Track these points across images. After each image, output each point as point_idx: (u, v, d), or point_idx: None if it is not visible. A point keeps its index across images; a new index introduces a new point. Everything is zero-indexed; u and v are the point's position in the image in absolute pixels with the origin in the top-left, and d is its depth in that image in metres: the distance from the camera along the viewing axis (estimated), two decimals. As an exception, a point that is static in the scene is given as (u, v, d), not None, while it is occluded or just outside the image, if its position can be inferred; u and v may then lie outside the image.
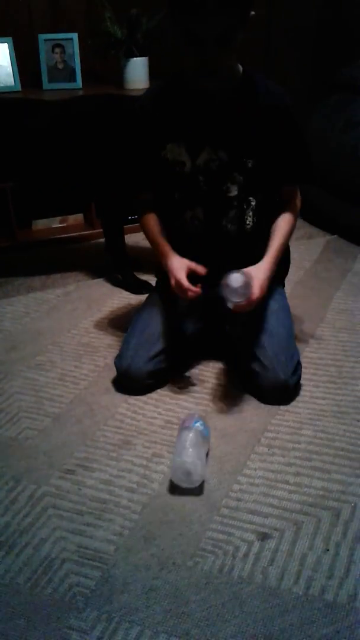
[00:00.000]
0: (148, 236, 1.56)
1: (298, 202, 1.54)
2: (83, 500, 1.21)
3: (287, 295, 1.64)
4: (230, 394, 1.52)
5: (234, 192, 1.45)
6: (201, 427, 1.31)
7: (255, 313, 1.50)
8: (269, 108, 1.39)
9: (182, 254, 1.49)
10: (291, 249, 1.62)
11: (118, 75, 2.56)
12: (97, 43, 2.52)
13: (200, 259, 1.49)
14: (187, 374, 1.59)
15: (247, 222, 1.50)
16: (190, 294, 1.40)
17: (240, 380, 1.55)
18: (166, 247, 1.49)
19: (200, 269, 1.42)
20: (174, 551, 1.10)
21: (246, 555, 1.08)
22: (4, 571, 1.08)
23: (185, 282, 1.40)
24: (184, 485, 1.22)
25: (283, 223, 1.50)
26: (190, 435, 1.27)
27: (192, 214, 1.50)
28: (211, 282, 1.54)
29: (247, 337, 1.50)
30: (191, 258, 1.49)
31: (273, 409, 1.45)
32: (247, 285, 1.33)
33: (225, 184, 1.44)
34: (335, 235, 2.47)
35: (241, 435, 1.37)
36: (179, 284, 1.41)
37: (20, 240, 2.44)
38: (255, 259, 1.48)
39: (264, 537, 1.12)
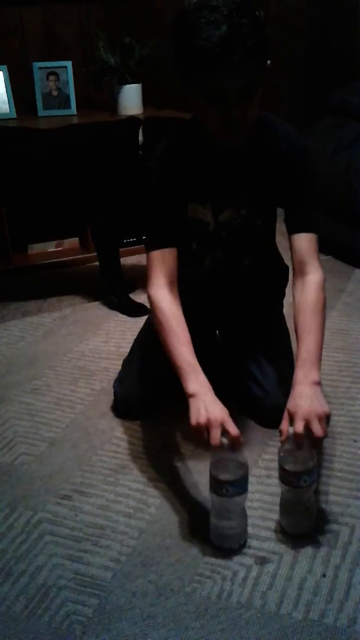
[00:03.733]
0: (168, 335, 1.23)
1: (319, 271, 1.29)
2: (80, 526, 1.21)
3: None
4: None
5: (250, 237, 1.42)
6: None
7: (255, 336, 1.51)
8: (283, 153, 1.30)
9: (196, 291, 1.43)
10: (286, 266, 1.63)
11: (112, 102, 2.60)
12: (91, 70, 2.56)
13: (214, 293, 1.51)
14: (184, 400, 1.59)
15: (259, 255, 1.48)
16: (215, 445, 1.10)
17: (238, 402, 1.55)
18: (200, 372, 1.20)
19: (235, 432, 1.10)
20: (171, 577, 1.09)
21: (244, 580, 1.08)
22: (0, 599, 1.06)
23: (218, 435, 1.09)
24: (229, 547, 1.13)
25: (305, 315, 1.24)
26: (235, 504, 1.10)
27: (211, 257, 1.45)
28: (220, 317, 1.57)
29: (247, 360, 1.50)
30: (205, 294, 1.50)
31: (270, 431, 1.45)
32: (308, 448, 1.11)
33: (245, 234, 1.40)
34: (330, 256, 2.49)
35: (238, 458, 1.37)
36: (213, 433, 1.09)
37: (16, 265, 2.45)
38: (266, 287, 1.52)
39: (262, 561, 1.11)
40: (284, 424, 1.12)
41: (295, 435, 1.09)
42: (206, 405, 1.12)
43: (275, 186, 1.33)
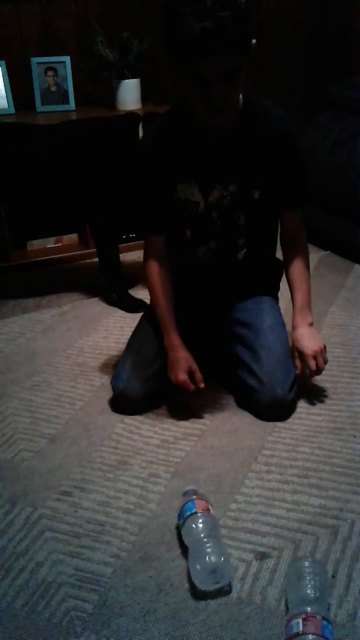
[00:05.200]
0: (154, 298, 1.51)
1: (304, 238, 1.55)
2: (80, 522, 1.21)
3: (281, 311, 1.65)
4: (226, 412, 1.51)
5: (242, 221, 1.46)
6: (202, 504, 1.14)
7: (252, 328, 1.51)
8: (272, 134, 1.37)
9: (191, 282, 1.54)
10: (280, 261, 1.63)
11: (110, 97, 2.59)
12: (89, 66, 2.56)
13: (207, 283, 1.56)
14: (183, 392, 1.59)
15: (251, 247, 1.51)
16: (191, 388, 1.46)
17: (236, 397, 1.55)
18: (172, 330, 1.48)
19: (199, 377, 1.46)
20: (172, 573, 1.09)
21: (244, 575, 1.08)
22: (0, 595, 1.06)
23: (189, 384, 1.46)
24: (216, 586, 1.04)
25: (300, 272, 1.52)
26: (200, 524, 1.10)
27: (205, 248, 1.50)
28: (217, 306, 1.58)
29: (243, 353, 1.50)
30: (200, 285, 1.56)
31: (269, 426, 1.45)
32: None
33: (236, 213, 1.45)
34: (329, 251, 2.48)
35: (238, 454, 1.37)
36: (184, 383, 1.45)
37: (15, 261, 2.45)
38: (257, 280, 1.56)
39: (262, 556, 1.11)
40: (297, 362, 1.49)
41: (312, 372, 1.49)
42: (175, 364, 1.46)
43: (264, 165, 1.40)
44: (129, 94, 2.56)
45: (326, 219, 2.48)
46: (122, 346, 1.63)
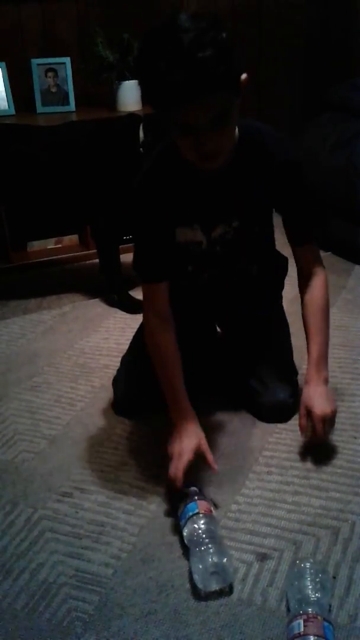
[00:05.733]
0: (161, 366, 1.30)
1: (322, 275, 1.36)
2: (80, 524, 1.21)
3: (286, 304, 1.62)
4: (227, 413, 1.51)
5: (245, 249, 1.39)
6: (204, 505, 1.14)
7: (255, 331, 1.50)
8: (274, 166, 1.24)
9: (192, 303, 1.47)
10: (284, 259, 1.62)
11: (111, 98, 2.59)
12: (89, 67, 2.56)
13: (210, 304, 1.52)
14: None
15: (256, 268, 1.46)
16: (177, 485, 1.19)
17: (238, 398, 1.55)
18: (185, 402, 1.28)
19: (210, 459, 1.22)
20: (172, 573, 1.09)
21: (245, 576, 1.08)
22: (1, 597, 1.06)
23: (180, 476, 1.18)
24: (218, 587, 1.04)
25: (315, 317, 1.34)
26: (202, 525, 1.10)
27: (208, 274, 1.43)
28: (219, 313, 1.58)
29: (247, 355, 1.50)
30: (202, 304, 1.50)
31: (270, 427, 1.45)
32: None
33: (239, 244, 1.37)
34: (329, 252, 2.48)
35: (239, 455, 1.37)
36: (176, 473, 1.19)
37: (15, 262, 2.45)
38: (264, 288, 1.50)
39: (263, 557, 1.11)
40: (303, 421, 1.30)
41: (319, 438, 1.32)
42: (181, 438, 1.23)
43: (268, 199, 1.30)
44: (130, 95, 2.56)
45: (326, 220, 2.47)
46: (123, 347, 1.63)
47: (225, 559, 1.05)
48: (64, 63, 2.60)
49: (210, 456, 1.22)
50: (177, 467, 1.18)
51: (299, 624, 0.93)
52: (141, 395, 1.49)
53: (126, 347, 1.61)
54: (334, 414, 1.30)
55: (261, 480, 1.29)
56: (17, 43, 2.55)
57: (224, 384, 1.61)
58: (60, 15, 2.59)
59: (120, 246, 2.16)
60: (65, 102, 2.64)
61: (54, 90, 2.62)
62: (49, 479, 1.33)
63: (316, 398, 1.29)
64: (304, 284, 1.37)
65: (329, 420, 1.29)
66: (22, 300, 2.19)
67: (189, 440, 1.21)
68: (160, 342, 1.31)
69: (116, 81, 2.54)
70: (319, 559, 1.10)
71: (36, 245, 2.56)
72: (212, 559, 1.04)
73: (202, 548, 1.06)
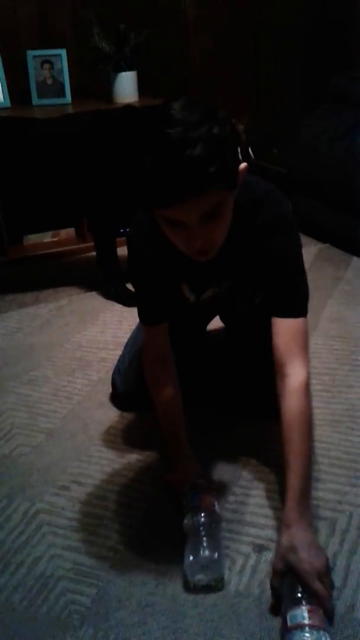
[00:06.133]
0: (164, 414, 1.28)
1: (302, 368, 1.13)
2: (78, 517, 1.21)
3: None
4: (225, 406, 1.51)
5: (238, 301, 1.35)
6: (207, 500, 1.13)
7: (256, 326, 1.49)
8: (259, 225, 1.13)
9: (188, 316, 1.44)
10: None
11: (107, 90, 2.57)
12: (85, 58, 2.54)
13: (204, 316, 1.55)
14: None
15: (253, 303, 1.36)
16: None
17: (236, 392, 1.55)
18: (184, 446, 1.25)
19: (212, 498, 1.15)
20: (170, 566, 1.09)
21: (243, 568, 1.08)
22: (-2, 590, 1.07)
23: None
24: (205, 582, 1.03)
25: (295, 433, 1.09)
26: (202, 518, 1.09)
27: (206, 317, 1.53)
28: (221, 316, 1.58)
29: (247, 349, 1.49)
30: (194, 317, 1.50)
31: (268, 419, 1.44)
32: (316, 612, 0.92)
33: (231, 299, 1.33)
34: (327, 244, 2.48)
35: (236, 448, 1.37)
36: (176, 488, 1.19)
37: (12, 256, 2.44)
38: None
39: (260, 548, 1.11)
40: (276, 580, 1.00)
41: (324, 599, 0.94)
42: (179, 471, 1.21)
43: (256, 263, 1.18)
44: (126, 87, 2.54)
45: (324, 212, 2.47)
46: (120, 340, 1.63)
47: (217, 554, 1.04)
48: (59, 55, 2.58)
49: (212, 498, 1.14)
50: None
51: (302, 614, 0.90)
52: (140, 390, 1.49)
53: (123, 339, 1.60)
54: (325, 568, 0.98)
55: (258, 472, 1.29)
56: (12, 35, 2.53)
57: (217, 381, 1.61)
58: (56, 7, 2.56)
59: (117, 239, 2.15)
60: (61, 94, 2.62)
61: (49, 82, 2.60)
62: (46, 472, 1.33)
63: (303, 550, 0.97)
64: (279, 381, 1.13)
65: (325, 575, 0.97)
66: (18, 294, 2.19)
67: (183, 480, 1.18)
68: (161, 384, 1.27)
69: (112, 72, 2.52)
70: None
71: (33, 239, 2.55)
72: (203, 552, 1.04)
73: (196, 540, 1.06)
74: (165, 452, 1.35)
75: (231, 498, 1.23)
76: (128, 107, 2.07)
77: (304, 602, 0.92)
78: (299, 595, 0.93)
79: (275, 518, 1.17)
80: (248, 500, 1.22)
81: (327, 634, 0.90)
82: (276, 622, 0.97)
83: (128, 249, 1.25)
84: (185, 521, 1.11)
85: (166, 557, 1.10)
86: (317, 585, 0.94)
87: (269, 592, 1.03)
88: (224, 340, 1.64)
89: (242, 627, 0.97)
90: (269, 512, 1.19)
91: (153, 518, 1.19)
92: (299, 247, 1.18)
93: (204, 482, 1.18)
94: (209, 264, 1.10)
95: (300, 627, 0.89)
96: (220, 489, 1.24)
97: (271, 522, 1.16)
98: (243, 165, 1.00)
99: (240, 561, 1.09)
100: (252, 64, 2.96)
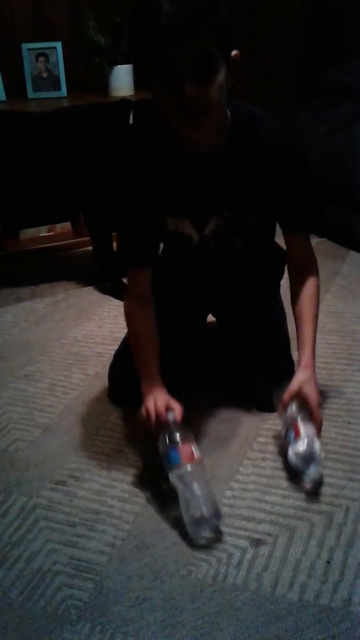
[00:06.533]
0: (137, 343, 1.32)
1: (314, 264, 1.35)
2: (75, 512, 1.20)
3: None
4: (221, 400, 1.51)
5: (240, 244, 1.35)
6: (186, 452, 1.17)
7: (251, 321, 1.49)
8: (268, 150, 1.21)
9: (186, 297, 1.47)
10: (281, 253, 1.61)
11: (103, 83, 2.56)
12: (81, 51, 2.52)
13: (204, 301, 1.52)
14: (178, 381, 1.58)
15: (251, 265, 1.42)
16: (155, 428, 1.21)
17: (233, 384, 1.55)
18: (155, 375, 1.28)
19: (180, 412, 1.22)
20: (167, 560, 1.09)
21: (240, 562, 1.08)
22: (-5, 586, 1.06)
23: (163, 416, 1.20)
24: (206, 535, 1.12)
25: (308, 307, 1.32)
26: (187, 475, 1.14)
27: (202, 270, 1.41)
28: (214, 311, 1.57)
29: (243, 342, 1.49)
30: (195, 299, 1.50)
31: (265, 414, 1.45)
32: (311, 446, 1.20)
33: (234, 237, 1.34)
34: (324, 238, 2.47)
35: (233, 442, 1.37)
36: (158, 414, 1.20)
37: (8, 250, 2.43)
38: (257, 293, 1.47)
39: (257, 543, 1.11)
40: (286, 399, 1.26)
41: (319, 425, 1.25)
42: (155, 399, 1.23)
43: (262, 187, 1.24)
44: (122, 80, 2.53)
45: (323, 207, 2.46)
46: (117, 335, 1.62)
47: (206, 509, 1.09)
48: (54, 47, 2.56)
49: (180, 409, 1.21)
50: (159, 406, 1.20)
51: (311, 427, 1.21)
52: (137, 385, 1.48)
53: (120, 335, 1.60)
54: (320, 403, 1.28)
55: (256, 467, 1.29)
56: (7, 27, 2.51)
57: (215, 375, 1.60)
58: (51, -1, 2.55)
59: (114, 233, 2.14)
60: (57, 87, 2.60)
61: (45, 75, 2.59)
62: (43, 467, 1.32)
63: (314, 384, 1.27)
64: (295, 273, 1.35)
65: (320, 407, 1.27)
66: (14, 289, 2.18)
67: (160, 399, 1.22)
68: (137, 323, 1.32)
69: (108, 66, 2.51)
70: (312, 543, 1.10)
71: (29, 233, 2.54)
72: (201, 510, 1.09)
73: (189, 497, 1.11)
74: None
75: (228, 493, 1.23)
76: (124, 100, 2.05)
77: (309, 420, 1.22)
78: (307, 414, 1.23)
79: (272, 512, 1.17)
80: (245, 494, 1.22)
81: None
82: (274, 615, 0.98)
83: (121, 181, 1.29)
84: (171, 479, 1.15)
85: (163, 552, 1.10)
86: (320, 413, 1.25)
87: (266, 586, 1.03)
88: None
89: (239, 621, 0.97)
90: (266, 506, 1.19)
91: (150, 512, 1.19)
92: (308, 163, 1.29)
93: (177, 430, 1.19)
94: (207, 179, 1.22)
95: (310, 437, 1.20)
96: (217, 484, 1.25)
97: (268, 517, 1.16)
98: (236, 51, 1.06)
99: (237, 555, 1.09)
100: (249, 55, 2.95)
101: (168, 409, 1.20)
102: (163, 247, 1.42)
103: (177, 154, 1.20)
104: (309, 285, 1.33)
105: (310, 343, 1.30)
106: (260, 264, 1.44)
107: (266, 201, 1.27)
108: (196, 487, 1.12)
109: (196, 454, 1.18)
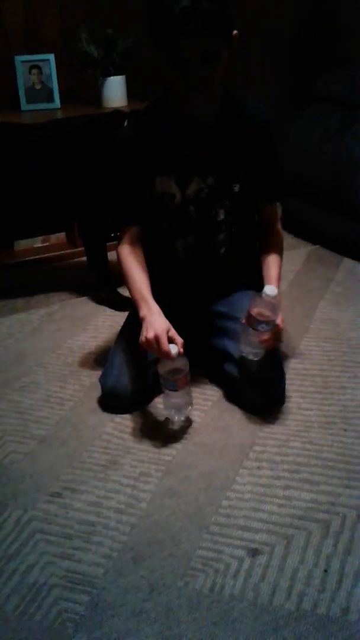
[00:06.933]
0: (128, 276, 1.48)
1: (280, 230, 1.58)
2: (71, 524, 1.20)
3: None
4: (216, 408, 1.51)
5: (221, 216, 1.47)
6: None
7: (238, 321, 1.49)
8: (252, 127, 1.40)
9: (171, 279, 1.54)
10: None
11: (96, 94, 2.57)
12: (73, 63, 2.54)
13: (189, 281, 1.55)
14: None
15: (232, 244, 1.52)
16: (165, 354, 1.32)
17: (225, 391, 1.55)
18: (150, 300, 1.40)
19: (179, 340, 1.34)
20: (164, 572, 1.08)
21: (237, 572, 1.07)
22: (-9, 600, 1.06)
23: (166, 345, 1.31)
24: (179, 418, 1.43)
25: (273, 257, 1.52)
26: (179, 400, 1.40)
27: (184, 242, 1.51)
28: (200, 302, 1.57)
29: (230, 346, 1.49)
30: (180, 281, 1.55)
31: (260, 421, 1.45)
32: (276, 307, 1.36)
33: (215, 209, 1.46)
34: (318, 245, 2.48)
35: (229, 450, 1.36)
36: (160, 343, 1.31)
37: (3, 262, 2.43)
38: (240, 277, 1.55)
39: (254, 553, 1.11)
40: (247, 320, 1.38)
41: (275, 335, 1.40)
42: (152, 323, 1.35)
43: (244, 158, 1.42)
44: (115, 91, 2.54)
45: (314, 213, 2.47)
46: (112, 345, 1.62)
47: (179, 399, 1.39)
48: (48, 60, 2.58)
49: (179, 339, 1.34)
50: (163, 344, 1.31)
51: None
52: (129, 390, 1.48)
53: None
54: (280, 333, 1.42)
55: (252, 476, 1.29)
56: (0, 40, 2.53)
57: (210, 375, 1.60)
58: (44, 11, 2.56)
59: (108, 243, 2.15)
60: (50, 99, 2.62)
61: (38, 87, 2.60)
62: (38, 479, 1.32)
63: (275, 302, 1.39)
64: (266, 239, 1.56)
65: (276, 334, 1.40)
66: (9, 300, 2.18)
67: (160, 327, 1.33)
68: (128, 261, 1.48)
69: (101, 77, 2.53)
70: (310, 552, 1.10)
71: (23, 244, 2.54)
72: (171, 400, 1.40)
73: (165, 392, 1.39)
74: (156, 461, 1.35)
75: (225, 502, 1.22)
76: (117, 111, 2.06)
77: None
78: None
79: (269, 521, 1.17)
80: (241, 504, 1.22)
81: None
82: (271, 626, 0.97)
83: (116, 148, 1.50)
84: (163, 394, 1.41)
85: (160, 563, 1.10)
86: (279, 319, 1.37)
87: (263, 596, 1.02)
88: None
89: (237, 632, 0.97)
90: (262, 515, 1.18)
91: (147, 523, 1.19)
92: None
93: (179, 362, 1.34)
94: (196, 144, 1.39)
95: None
96: (214, 494, 1.24)
97: (265, 526, 1.16)
98: (235, 31, 1.26)
99: (234, 565, 1.09)
100: (240, 63, 2.97)
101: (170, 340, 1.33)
102: (148, 219, 1.52)
103: (168, 122, 1.40)
104: (275, 241, 1.55)
105: (275, 277, 1.47)
106: (240, 258, 1.55)
107: (246, 171, 1.43)
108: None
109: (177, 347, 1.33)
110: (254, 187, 1.46)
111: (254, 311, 1.35)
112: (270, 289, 1.35)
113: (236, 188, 1.44)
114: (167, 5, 1.19)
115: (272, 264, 1.51)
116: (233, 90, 1.41)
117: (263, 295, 1.35)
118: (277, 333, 1.39)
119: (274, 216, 1.58)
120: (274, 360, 1.48)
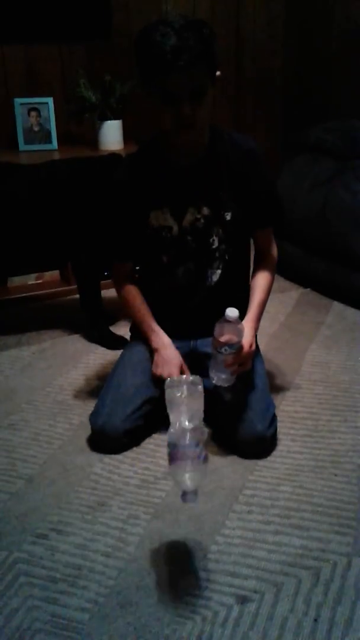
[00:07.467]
0: (132, 310, 1.60)
1: (274, 253, 1.61)
2: (56, 567, 1.17)
3: (262, 348, 1.65)
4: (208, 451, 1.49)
5: (216, 243, 1.51)
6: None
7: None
8: (238, 155, 1.47)
9: (169, 305, 1.58)
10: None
11: (93, 137, 2.63)
12: (71, 107, 2.60)
13: (186, 308, 1.58)
14: (163, 431, 1.57)
15: (225, 272, 1.53)
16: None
17: (217, 434, 1.54)
18: (160, 331, 1.56)
19: (188, 375, 1.37)
20: (150, 618, 1.06)
21: (225, 620, 1.05)
22: (-28, 646, 1.03)
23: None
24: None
25: (262, 280, 1.56)
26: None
27: (184, 269, 1.54)
28: (194, 333, 1.59)
29: (224, 390, 1.49)
30: (178, 307, 1.58)
31: (251, 464, 1.44)
32: (239, 330, 1.36)
33: (211, 236, 1.51)
34: (308, 289, 2.51)
35: (219, 494, 1.35)
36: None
37: (-5, 298, 2.43)
38: (234, 304, 1.51)
39: (243, 600, 1.09)
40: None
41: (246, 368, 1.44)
42: (165, 359, 1.51)
43: (234, 186, 1.48)
44: (111, 135, 2.61)
45: (305, 257, 2.51)
46: (103, 384, 1.62)
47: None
48: (46, 103, 2.64)
49: (189, 374, 1.45)
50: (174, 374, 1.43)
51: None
52: (120, 430, 1.47)
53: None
54: (249, 355, 1.43)
55: (242, 520, 1.27)
56: (0, 82, 2.59)
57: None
58: (44, 57, 2.64)
59: (101, 282, 2.16)
60: (48, 140, 2.67)
61: (36, 128, 2.66)
62: (24, 520, 1.30)
63: (246, 338, 1.41)
64: (259, 261, 1.59)
65: (250, 359, 1.44)
66: (0, 336, 2.17)
67: (175, 365, 1.49)
68: (125, 292, 1.59)
69: (98, 121, 2.59)
70: (299, 600, 1.08)
71: (16, 281, 2.55)
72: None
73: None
74: (147, 501, 1.33)
75: (213, 547, 1.20)
76: (113, 154, 2.11)
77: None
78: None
79: (258, 568, 1.15)
80: (230, 549, 1.20)
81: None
82: None
83: (110, 186, 1.55)
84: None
85: (147, 609, 1.08)
86: (249, 362, 1.44)
87: (252, 646, 1.00)
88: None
89: None
90: (252, 561, 1.17)
91: (134, 568, 1.17)
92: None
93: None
94: (188, 177, 1.46)
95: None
96: (203, 538, 1.22)
97: (254, 572, 1.14)
98: (219, 72, 1.35)
99: (222, 613, 1.06)
100: (233, 112, 3.06)
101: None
102: (147, 253, 1.57)
103: (160, 158, 1.47)
104: (267, 266, 1.58)
105: (257, 305, 1.52)
106: (237, 288, 1.59)
107: (238, 199, 1.49)
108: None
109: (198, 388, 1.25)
110: (245, 214, 1.50)
111: (217, 333, 1.35)
112: (231, 311, 1.33)
113: (228, 216, 1.49)
114: (156, 44, 1.27)
115: (258, 289, 1.55)
116: (218, 126, 1.49)
117: (225, 317, 1.34)
118: (242, 357, 1.39)
119: (268, 242, 1.60)
120: (264, 406, 1.48)
